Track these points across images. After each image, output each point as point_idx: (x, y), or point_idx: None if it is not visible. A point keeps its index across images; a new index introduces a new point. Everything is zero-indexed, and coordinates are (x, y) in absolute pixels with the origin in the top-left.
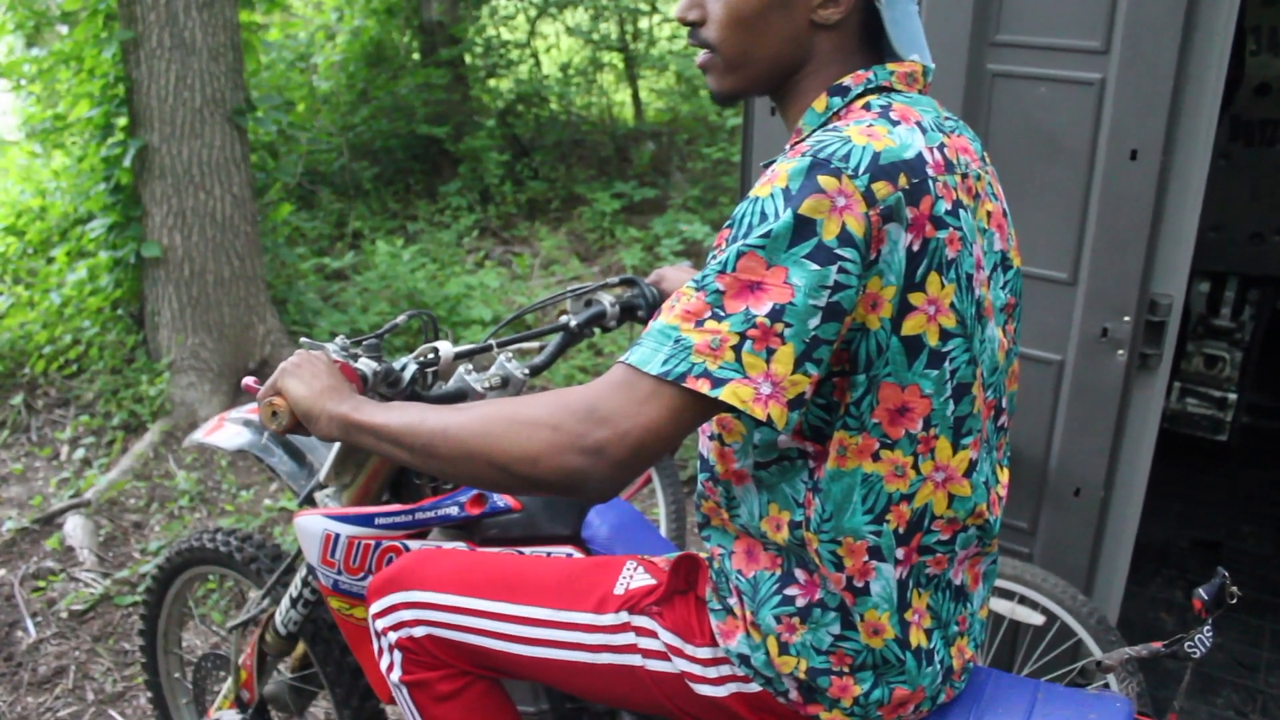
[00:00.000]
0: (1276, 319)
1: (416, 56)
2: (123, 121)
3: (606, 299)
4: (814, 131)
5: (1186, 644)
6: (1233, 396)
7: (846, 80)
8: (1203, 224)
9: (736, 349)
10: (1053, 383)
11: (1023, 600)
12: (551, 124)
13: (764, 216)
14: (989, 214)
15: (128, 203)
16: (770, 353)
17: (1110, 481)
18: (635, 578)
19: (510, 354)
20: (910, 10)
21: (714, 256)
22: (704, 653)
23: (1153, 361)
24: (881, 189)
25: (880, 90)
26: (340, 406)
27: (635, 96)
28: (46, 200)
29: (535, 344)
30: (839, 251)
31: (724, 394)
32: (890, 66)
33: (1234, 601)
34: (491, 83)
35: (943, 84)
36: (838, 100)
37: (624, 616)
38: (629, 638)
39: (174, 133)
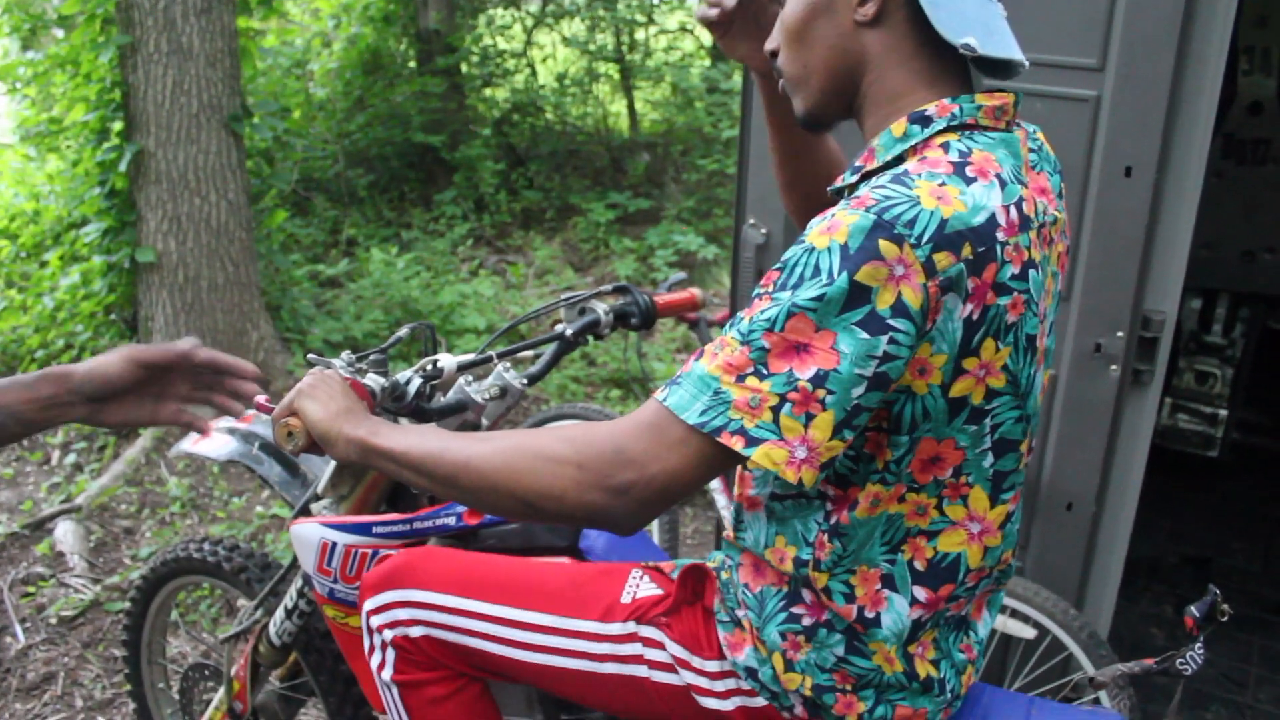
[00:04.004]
0: (1267, 336)
1: (413, 65)
2: (118, 126)
3: (600, 307)
4: (888, 164)
5: (1178, 661)
6: (1223, 413)
7: (930, 109)
8: (1195, 241)
9: (775, 410)
10: (1046, 397)
11: (1014, 614)
12: (547, 134)
13: (817, 272)
14: (1058, 255)
15: (122, 207)
16: (809, 418)
17: (1102, 496)
18: (642, 587)
19: (508, 364)
20: None
21: (759, 296)
22: (711, 666)
23: (1145, 377)
24: (943, 260)
25: (964, 128)
26: (358, 430)
27: (631, 107)
28: (40, 204)
29: (531, 353)
30: (891, 322)
31: (757, 454)
32: (978, 99)
33: (1225, 619)
34: (487, 92)
35: None
36: (917, 130)
37: (631, 626)
38: (635, 648)
39: (170, 138)
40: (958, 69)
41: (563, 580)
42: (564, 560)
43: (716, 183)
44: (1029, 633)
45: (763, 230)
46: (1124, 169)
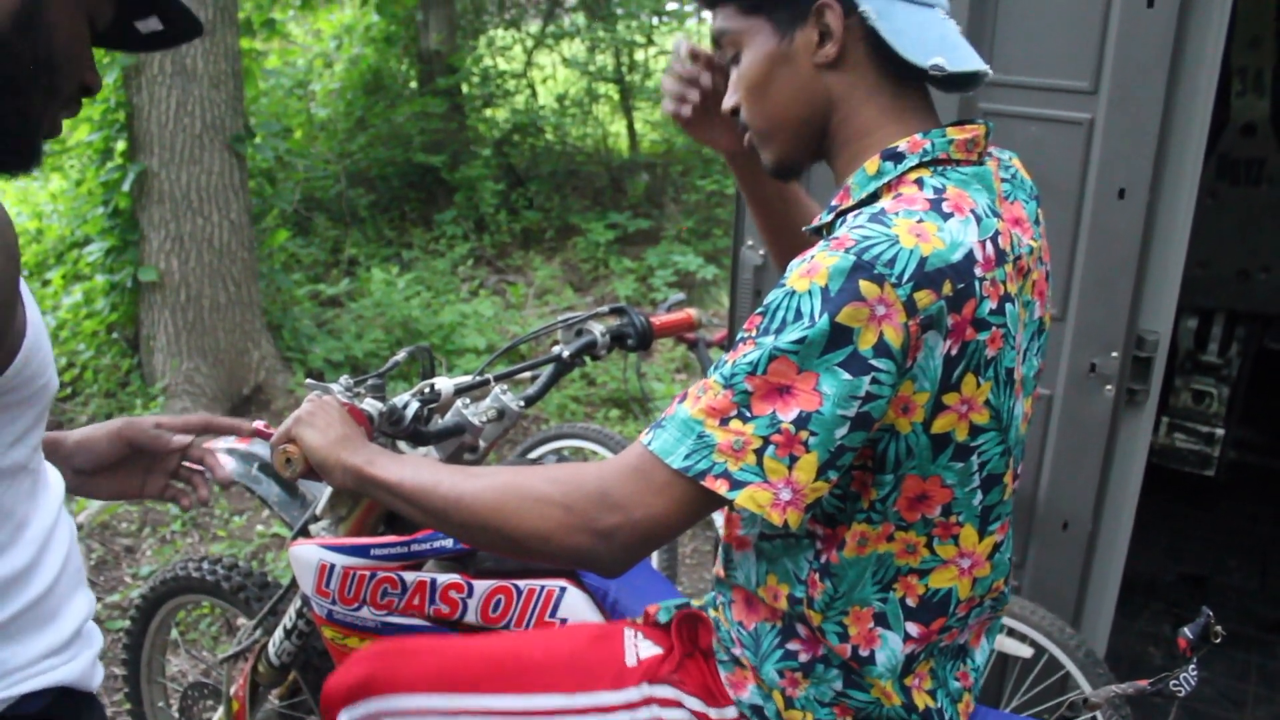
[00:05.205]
0: (1263, 355)
1: (414, 85)
2: (122, 146)
3: (597, 328)
4: (863, 202)
5: (1172, 682)
6: (1220, 432)
7: (902, 145)
8: (1190, 261)
9: (759, 452)
10: (1041, 417)
11: (1011, 632)
12: (547, 154)
13: (799, 315)
14: (1034, 283)
15: (125, 227)
16: (793, 459)
17: (1098, 515)
18: (642, 646)
19: (505, 386)
20: (923, 18)
21: (742, 340)
22: (730, 712)
23: (1140, 397)
24: (924, 298)
25: (936, 163)
26: (354, 458)
27: (630, 128)
28: (43, 223)
29: (529, 374)
30: (873, 362)
31: (741, 497)
32: (950, 133)
33: (1218, 641)
34: (488, 112)
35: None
36: (890, 166)
37: (645, 689)
38: (653, 710)
39: (173, 158)
40: (921, 97)
41: (559, 654)
42: (561, 584)
43: (715, 203)
44: (1026, 652)
45: (760, 251)
46: (1117, 191)
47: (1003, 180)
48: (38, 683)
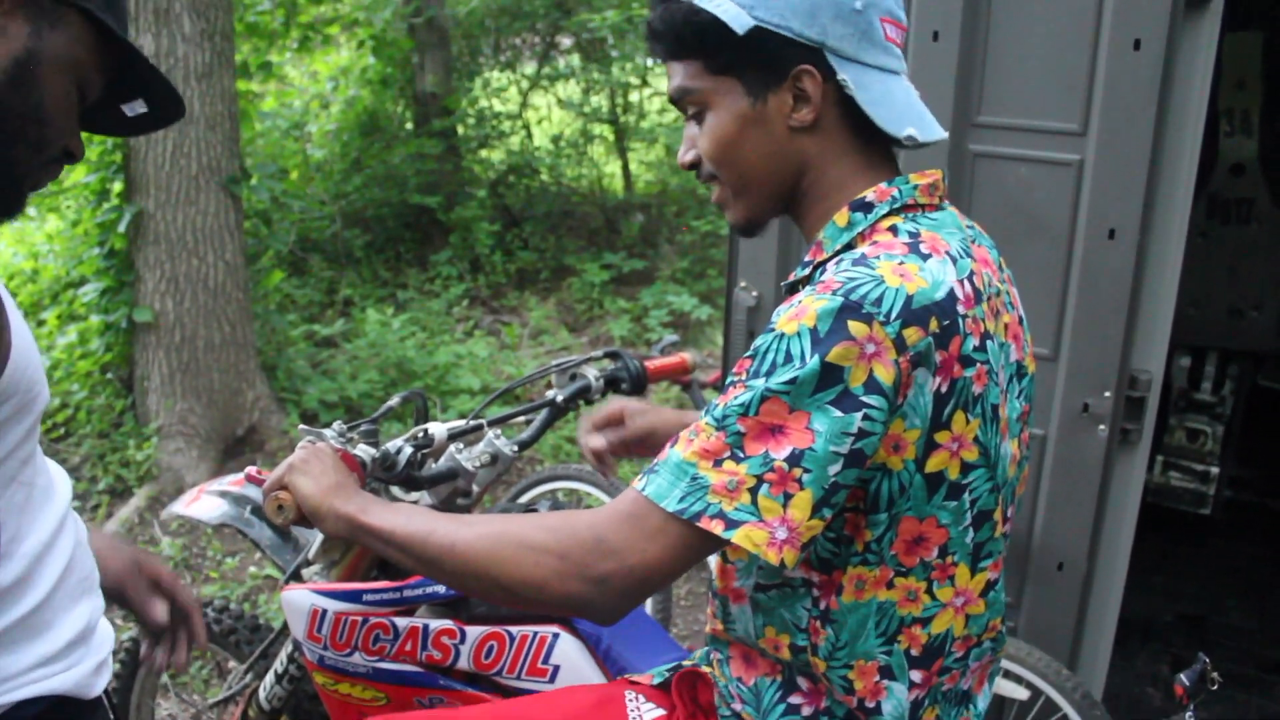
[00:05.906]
0: (1256, 393)
1: (410, 126)
2: (118, 187)
3: (591, 372)
4: (838, 253)
5: None
6: (1215, 470)
7: (869, 195)
8: (1182, 300)
9: (753, 491)
10: (1035, 458)
11: (1007, 674)
12: (542, 195)
13: (789, 357)
14: (1006, 326)
15: (121, 267)
16: (788, 497)
17: (1093, 556)
18: (645, 709)
19: (499, 431)
20: (892, 85)
21: (733, 384)
22: None
23: (1133, 436)
24: (912, 335)
25: (905, 209)
26: (347, 506)
27: (625, 168)
28: (39, 263)
29: (522, 418)
30: (865, 399)
31: (737, 536)
32: (913, 180)
33: (1215, 687)
34: (483, 153)
35: (926, 164)
36: (860, 216)
37: None
38: None
39: (169, 199)
40: (886, 153)
41: None
42: (554, 630)
43: (710, 243)
44: (1022, 694)
45: (754, 293)
46: (1108, 231)
47: (968, 227)
48: (29, 691)
